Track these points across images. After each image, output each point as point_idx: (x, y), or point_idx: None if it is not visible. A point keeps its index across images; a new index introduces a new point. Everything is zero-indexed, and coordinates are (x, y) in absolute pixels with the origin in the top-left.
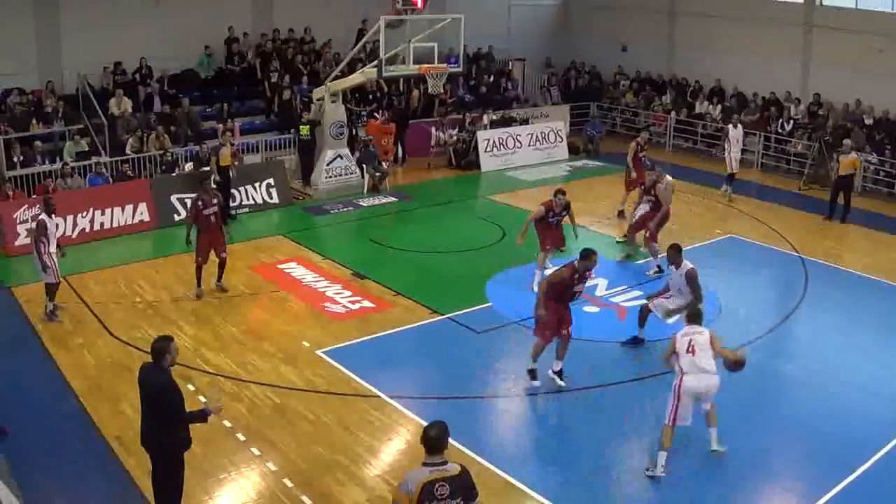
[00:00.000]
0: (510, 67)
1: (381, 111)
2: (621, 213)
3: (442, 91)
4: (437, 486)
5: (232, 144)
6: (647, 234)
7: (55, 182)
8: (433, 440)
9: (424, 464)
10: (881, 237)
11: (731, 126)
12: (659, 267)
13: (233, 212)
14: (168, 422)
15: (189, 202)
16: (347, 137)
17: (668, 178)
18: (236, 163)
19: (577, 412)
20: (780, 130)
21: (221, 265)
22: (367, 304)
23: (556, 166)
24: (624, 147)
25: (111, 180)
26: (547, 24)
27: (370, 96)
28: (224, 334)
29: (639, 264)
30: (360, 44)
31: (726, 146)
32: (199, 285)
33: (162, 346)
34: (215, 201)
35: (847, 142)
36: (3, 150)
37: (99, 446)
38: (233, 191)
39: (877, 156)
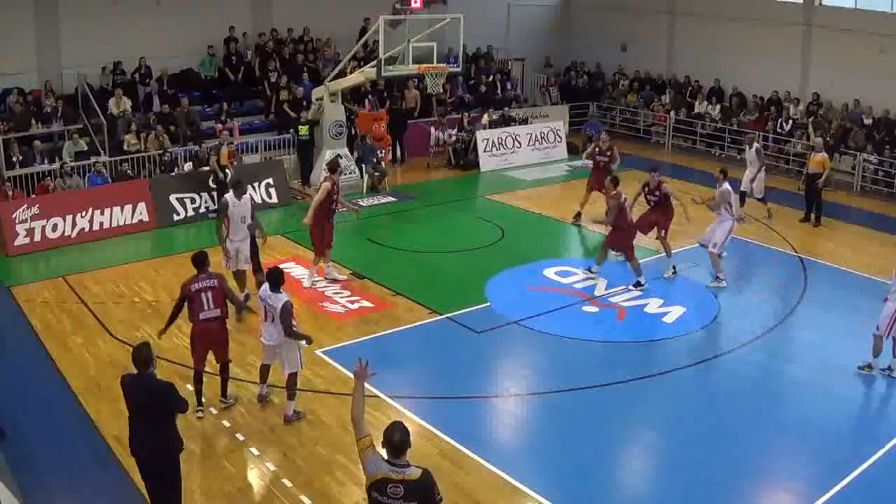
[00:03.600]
0: (509, 67)
1: (367, 100)
2: (578, 216)
3: (441, 91)
4: (390, 485)
5: (231, 144)
6: (663, 234)
7: (54, 182)
8: (398, 445)
9: (387, 461)
10: (881, 237)
11: (746, 147)
12: (674, 267)
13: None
14: (165, 424)
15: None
16: (346, 137)
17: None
18: (234, 162)
19: (577, 412)
20: (779, 130)
21: (223, 372)
22: (366, 303)
23: (556, 166)
24: (624, 147)
25: (110, 180)
26: (546, 23)
27: (368, 97)
28: None
29: (640, 263)
30: (360, 43)
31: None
32: (199, 402)
33: (149, 353)
34: (214, 282)
35: (818, 140)
36: (2, 150)
37: (98, 446)
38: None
39: (877, 156)
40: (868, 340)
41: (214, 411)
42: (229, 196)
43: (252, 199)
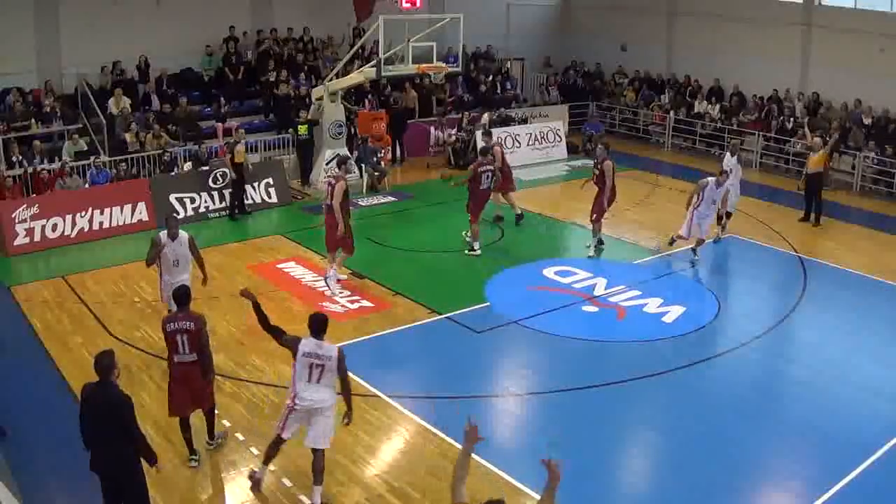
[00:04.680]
0: (509, 67)
1: (367, 100)
2: (499, 218)
3: (441, 81)
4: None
5: (240, 142)
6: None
7: (58, 181)
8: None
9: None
10: (881, 237)
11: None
12: (600, 242)
13: (248, 208)
14: (125, 433)
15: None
16: (346, 137)
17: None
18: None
19: (576, 411)
20: (785, 125)
21: (208, 417)
22: (366, 303)
23: (555, 166)
24: (623, 147)
25: (112, 174)
26: (546, 23)
27: (368, 96)
28: (224, 334)
29: (637, 264)
30: (360, 43)
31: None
32: (191, 451)
33: (110, 361)
34: (190, 324)
35: (816, 140)
36: (1, 151)
37: None
38: (231, 191)
39: (877, 155)
40: (868, 340)
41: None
42: (162, 235)
43: (191, 238)
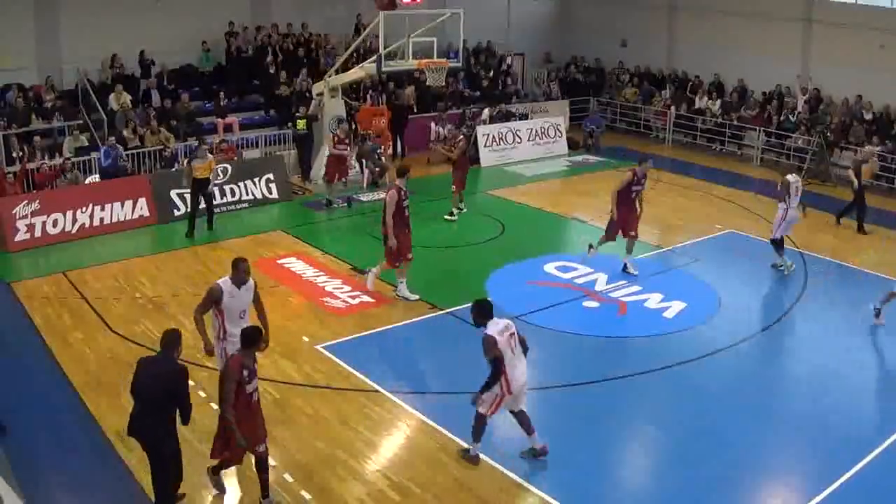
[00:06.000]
0: (510, 62)
1: (368, 96)
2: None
3: (443, 84)
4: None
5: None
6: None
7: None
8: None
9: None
10: (881, 232)
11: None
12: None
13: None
14: (166, 411)
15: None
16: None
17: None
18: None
19: (577, 407)
20: (789, 119)
21: (261, 470)
22: (366, 299)
23: (556, 161)
24: (624, 142)
25: (125, 155)
26: (547, 18)
27: (370, 92)
28: None
29: (640, 259)
30: (361, 38)
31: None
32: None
33: (174, 338)
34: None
35: (869, 148)
36: (3, 146)
37: (99, 441)
38: (231, 187)
39: (882, 150)
40: (867, 336)
41: (214, 406)
42: (224, 283)
43: (255, 285)
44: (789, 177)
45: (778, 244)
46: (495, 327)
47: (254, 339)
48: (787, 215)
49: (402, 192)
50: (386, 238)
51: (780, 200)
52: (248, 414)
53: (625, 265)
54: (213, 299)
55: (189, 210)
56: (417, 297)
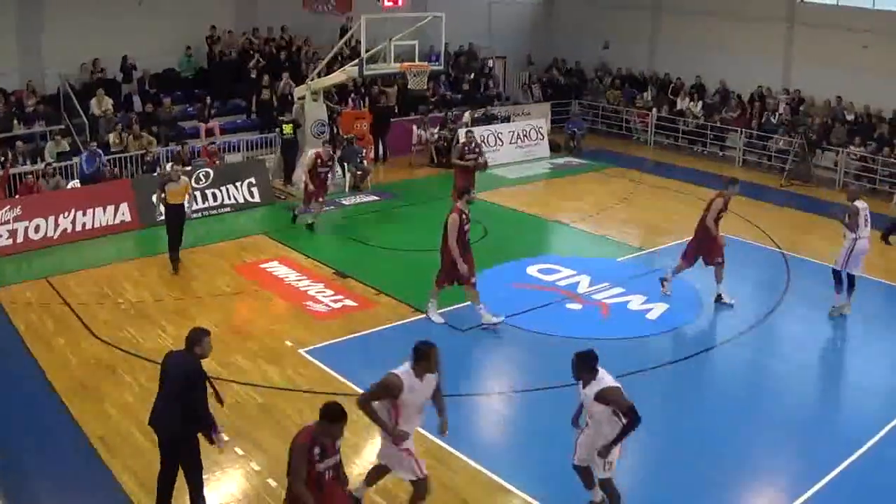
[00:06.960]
0: (491, 65)
1: (351, 99)
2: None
3: (424, 87)
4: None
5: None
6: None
7: (37, 182)
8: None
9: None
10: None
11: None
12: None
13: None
14: (182, 402)
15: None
16: (329, 136)
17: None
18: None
19: (562, 409)
20: (771, 121)
21: None
22: (349, 302)
23: (538, 164)
24: (606, 144)
25: (106, 161)
26: (528, 21)
27: (351, 95)
28: None
29: (621, 261)
30: (342, 42)
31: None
32: None
33: (198, 336)
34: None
35: None
36: None
37: (83, 447)
38: (213, 191)
39: (861, 152)
40: (852, 335)
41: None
42: (403, 371)
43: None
44: (858, 203)
45: (839, 278)
46: (610, 376)
47: (337, 416)
48: (857, 245)
49: (464, 216)
50: (443, 260)
51: (849, 230)
52: (319, 497)
53: (719, 295)
54: (389, 395)
55: (169, 244)
56: (444, 321)
